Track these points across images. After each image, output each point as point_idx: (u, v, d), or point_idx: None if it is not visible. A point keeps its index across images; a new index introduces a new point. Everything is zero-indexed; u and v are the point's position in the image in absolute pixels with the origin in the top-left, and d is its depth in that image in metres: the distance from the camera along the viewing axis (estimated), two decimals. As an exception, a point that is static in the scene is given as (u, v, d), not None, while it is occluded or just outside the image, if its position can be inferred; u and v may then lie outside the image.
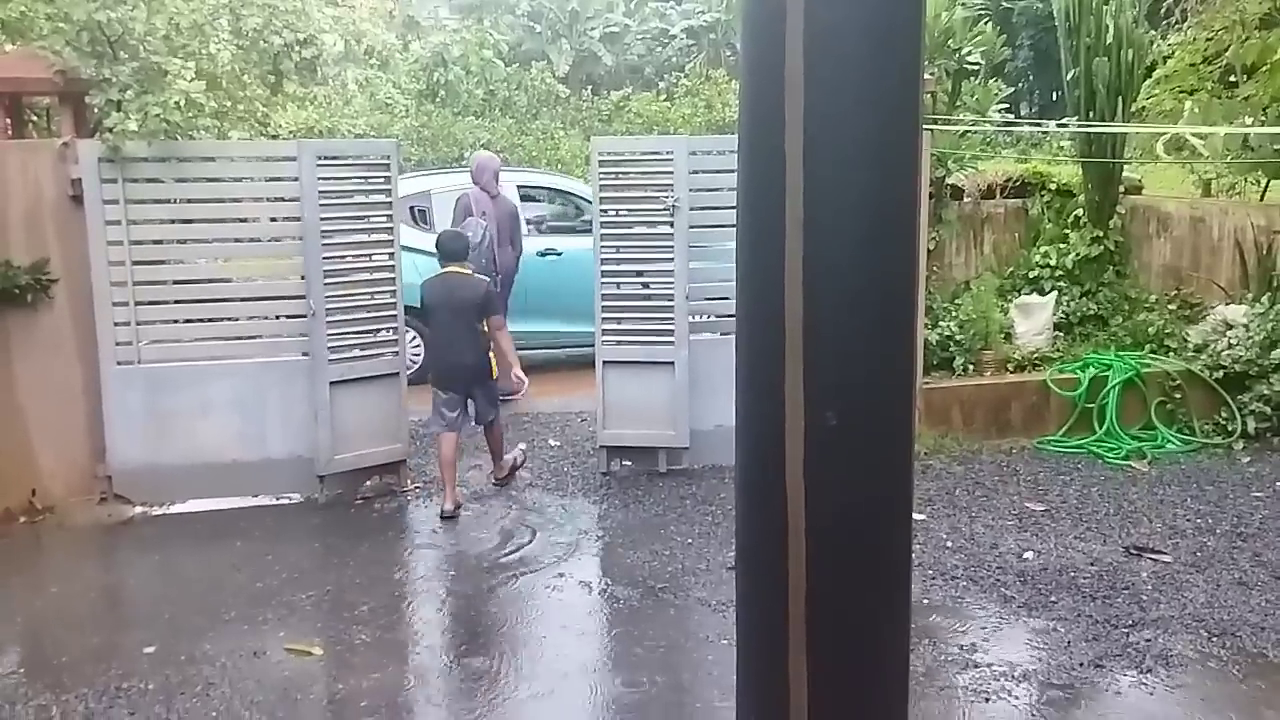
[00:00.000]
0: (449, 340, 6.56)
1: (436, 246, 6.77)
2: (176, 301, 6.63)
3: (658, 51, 30.23)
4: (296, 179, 6.45)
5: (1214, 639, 4.84)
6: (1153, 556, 5.72)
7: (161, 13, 6.40)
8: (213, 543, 6.10)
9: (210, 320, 6.71)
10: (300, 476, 6.66)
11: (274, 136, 8.80)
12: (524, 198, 9.89)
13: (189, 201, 6.59)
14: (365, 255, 6.84)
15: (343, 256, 6.72)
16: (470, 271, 6.72)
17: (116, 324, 6.39)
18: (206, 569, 5.77)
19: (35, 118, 7.87)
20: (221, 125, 7.07)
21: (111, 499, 6.51)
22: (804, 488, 1.58)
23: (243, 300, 6.75)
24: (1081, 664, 4.65)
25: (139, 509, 6.48)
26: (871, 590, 1.68)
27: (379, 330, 6.80)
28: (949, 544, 5.94)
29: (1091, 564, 5.65)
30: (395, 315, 6.77)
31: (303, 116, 12.23)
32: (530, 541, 6.20)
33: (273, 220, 6.75)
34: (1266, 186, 9.47)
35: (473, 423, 6.73)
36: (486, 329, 6.59)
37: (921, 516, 6.24)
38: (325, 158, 6.64)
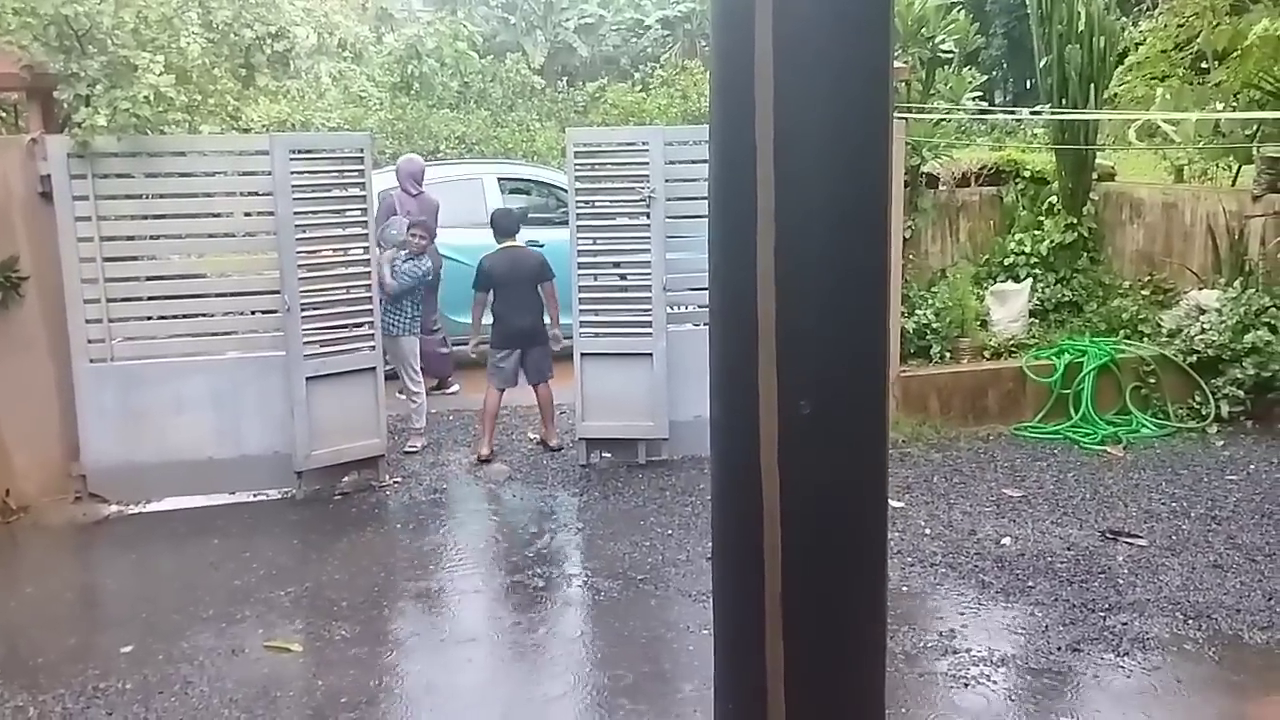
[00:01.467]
0: (511, 306, 7.17)
1: (491, 224, 7.37)
2: (149, 298, 6.55)
3: (633, 42, 30.14)
4: (269, 173, 6.40)
5: (1190, 622, 4.89)
6: (1128, 540, 5.77)
7: (130, 6, 6.32)
8: (189, 541, 6.06)
9: (184, 316, 6.65)
10: (278, 473, 6.62)
11: (246, 130, 8.72)
12: (508, 190, 9.87)
13: (160, 197, 6.51)
14: (340, 249, 6.80)
15: (317, 251, 6.69)
16: (524, 245, 7.36)
17: (88, 321, 6.32)
18: (183, 567, 5.74)
19: (3, 114, 7.76)
20: (192, 119, 7.00)
21: (86, 498, 6.45)
22: (778, 476, 1.58)
23: (217, 296, 6.68)
24: (1059, 648, 4.69)
25: (114, 508, 6.43)
26: (847, 577, 1.69)
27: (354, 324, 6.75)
28: (927, 530, 5.97)
29: (1068, 549, 5.69)
30: (371, 309, 6.73)
31: (275, 110, 12.14)
32: (510, 534, 6.19)
33: (246, 215, 6.68)
34: (1238, 172, 9.55)
35: (516, 383, 7.30)
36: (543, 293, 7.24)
37: (900, 504, 6.27)
38: (298, 151, 6.59)
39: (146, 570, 5.80)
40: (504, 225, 7.31)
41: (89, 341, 6.34)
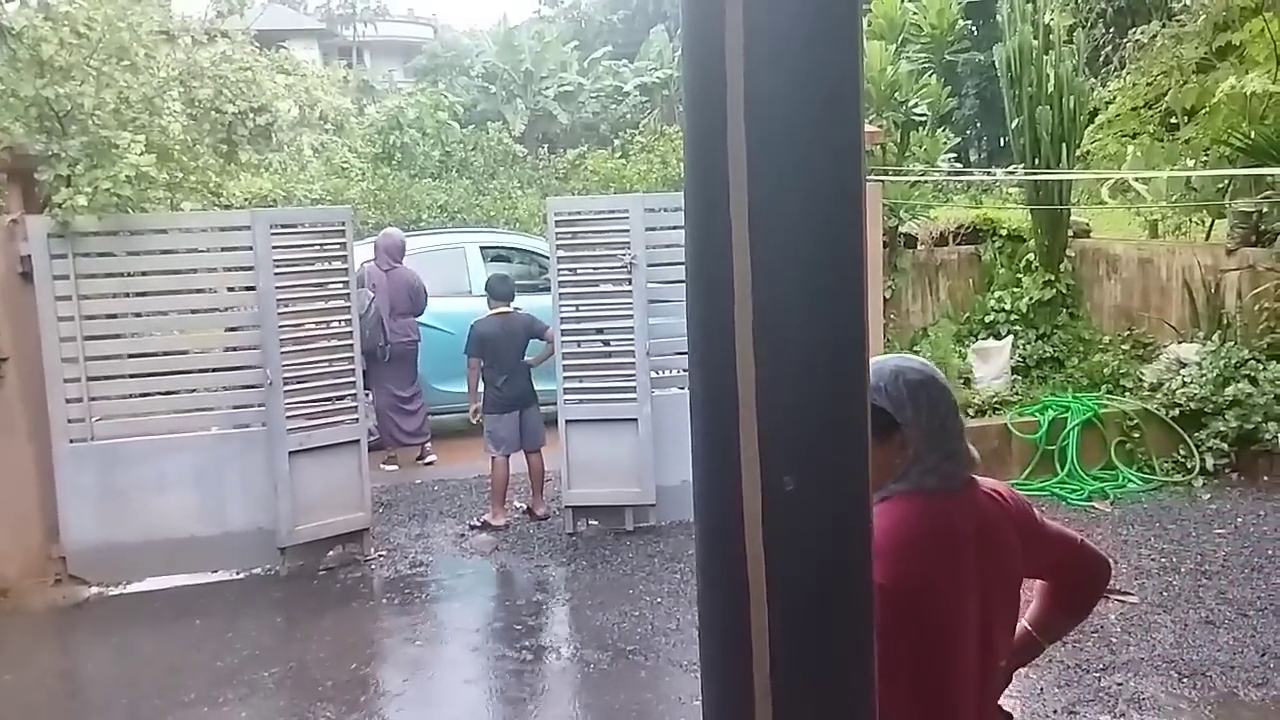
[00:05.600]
0: (502, 370, 7.17)
1: (486, 288, 7.47)
2: (130, 376, 6.51)
3: (612, 109, 30.54)
4: (251, 248, 6.41)
5: (1184, 680, 4.84)
6: (1120, 598, 5.73)
7: (111, 87, 6.38)
8: (171, 622, 5.96)
9: (165, 394, 6.61)
10: (261, 549, 6.54)
11: (228, 206, 8.75)
12: (490, 258, 9.91)
13: (142, 274, 6.51)
14: (322, 322, 6.79)
15: (299, 325, 6.67)
16: (515, 309, 7.33)
17: (68, 401, 6.28)
18: (165, 650, 5.63)
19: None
20: (174, 197, 7.03)
21: (66, 580, 6.35)
22: (764, 556, 1.57)
23: (198, 372, 6.65)
24: (1055, 710, 4.63)
25: (95, 589, 6.33)
26: (837, 651, 1.66)
27: (339, 398, 6.72)
28: (918, 593, 5.91)
29: (1060, 608, 5.64)
30: (354, 382, 6.71)
31: (257, 185, 12.19)
32: (498, 607, 6.11)
33: (229, 290, 6.69)
34: (1211, 226, 9.68)
35: (520, 446, 7.24)
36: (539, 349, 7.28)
37: (889, 566, 6.22)
38: (279, 226, 6.60)
39: (128, 654, 5.69)
40: (499, 290, 7.32)
41: (69, 421, 6.29)
